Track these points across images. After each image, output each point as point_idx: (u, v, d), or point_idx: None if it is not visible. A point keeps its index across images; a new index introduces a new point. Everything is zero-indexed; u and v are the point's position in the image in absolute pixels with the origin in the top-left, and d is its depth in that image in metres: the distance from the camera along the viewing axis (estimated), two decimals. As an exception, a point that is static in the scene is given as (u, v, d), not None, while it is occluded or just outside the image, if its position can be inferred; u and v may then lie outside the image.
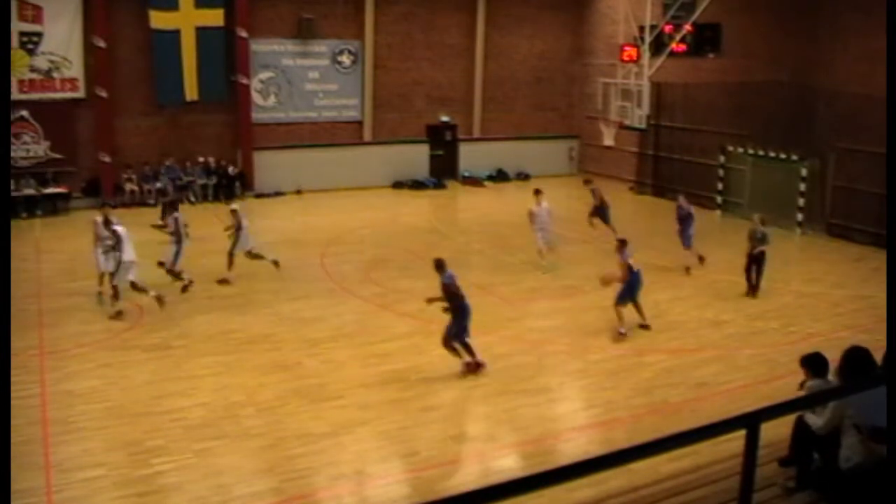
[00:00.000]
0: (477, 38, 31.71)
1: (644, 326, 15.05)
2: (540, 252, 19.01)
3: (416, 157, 31.58)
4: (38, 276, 18.31)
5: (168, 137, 27.38)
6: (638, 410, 11.84)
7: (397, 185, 30.81)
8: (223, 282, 17.77)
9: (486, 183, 31.56)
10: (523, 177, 32.34)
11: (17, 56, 25.31)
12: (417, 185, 30.85)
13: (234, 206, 18.95)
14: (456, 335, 12.85)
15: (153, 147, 27.15)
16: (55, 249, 21.02)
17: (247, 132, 28.43)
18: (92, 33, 25.90)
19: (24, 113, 25.63)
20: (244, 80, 28.11)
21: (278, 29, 28.71)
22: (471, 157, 32.53)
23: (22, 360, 13.41)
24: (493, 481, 3.93)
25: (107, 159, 26.50)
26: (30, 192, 25.43)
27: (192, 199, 27.21)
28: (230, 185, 28.07)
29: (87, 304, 16.41)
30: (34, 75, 25.67)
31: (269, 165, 28.79)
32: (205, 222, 23.59)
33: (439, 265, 13.03)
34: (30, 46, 25.51)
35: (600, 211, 21.54)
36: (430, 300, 13.09)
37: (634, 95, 24.99)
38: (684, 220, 19.20)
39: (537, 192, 19.36)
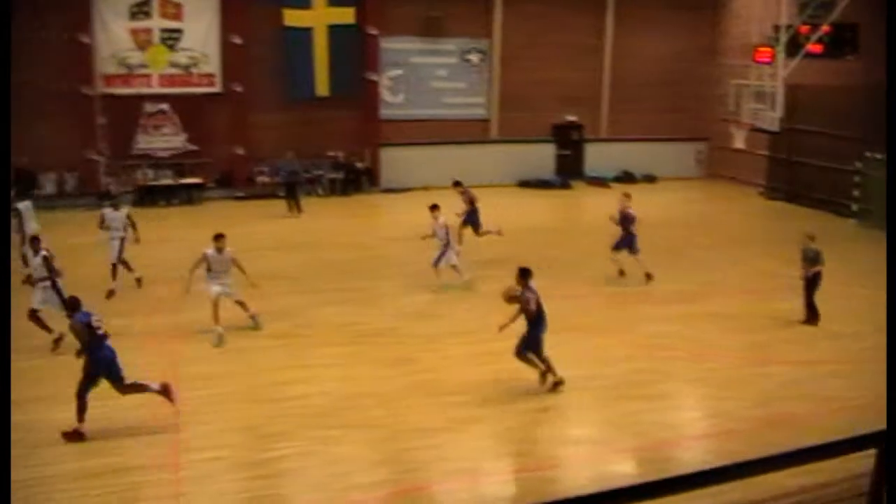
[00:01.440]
0: (606, 39, 31.35)
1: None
2: (454, 268, 17.48)
3: (542, 157, 31.43)
4: (173, 262, 18.98)
5: (298, 132, 28.04)
6: (757, 422, 11.43)
7: (523, 183, 30.70)
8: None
9: (611, 184, 31.10)
10: (650, 179, 31.77)
11: (159, 51, 26.43)
12: (543, 184, 30.65)
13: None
14: (530, 346, 12.31)
15: (284, 141, 27.90)
16: (186, 238, 21.71)
17: (375, 128, 28.91)
18: (229, 31, 26.80)
19: (164, 106, 26.77)
20: (373, 77, 28.58)
21: (407, 27, 29.03)
22: (597, 157, 32.15)
23: (154, 343, 13.99)
24: (608, 486, 3.85)
25: (240, 152, 27.37)
26: (167, 181, 26.52)
27: (321, 192, 27.88)
28: (357, 179, 28.62)
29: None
30: (174, 70, 26.74)
31: (396, 161, 29.18)
32: (330, 214, 24.17)
33: (523, 274, 12.29)
34: (170, 43, 26.58)
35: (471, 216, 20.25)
36: (502, 328, 12.09)
37: (768, 97, 24.23)
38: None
39: (433, 207, 17.84)
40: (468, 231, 19.76)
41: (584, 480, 9.85)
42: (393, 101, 29.42)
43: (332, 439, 10.65)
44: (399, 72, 29.36)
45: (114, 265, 17.08)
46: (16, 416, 11.17)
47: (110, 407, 10.99)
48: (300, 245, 21.25)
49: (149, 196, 26.25)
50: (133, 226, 17.57)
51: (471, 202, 19.90)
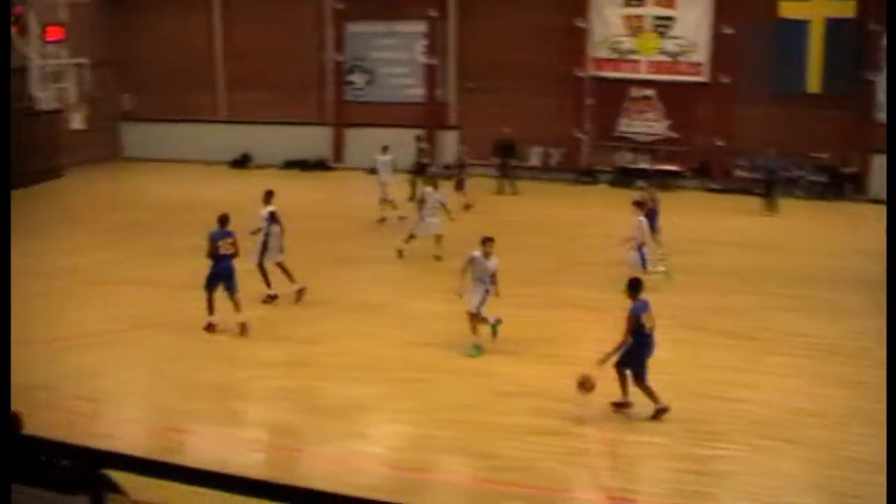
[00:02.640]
0: None
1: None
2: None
3: None
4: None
5: (782, 129, 27.02)
6: None
7: None
8: None
9: None
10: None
11: (650, 38, 27.14)
12: None
13: None
14: (633, 372, 11.07)
15: (766, 137, 27.08)
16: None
17: (868, 132, 26.61)
18: (720, 20, 26.63)
19: (650, 92, 27.45)
20: (871, 77, 26.54)
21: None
22: None
23: (612, 320, 14.66)
24: None
25: (720, 143, 27.21)
26: (644, 165, 27.26)
27: (799, 193, 26.67)
28: (840, 185, 26.74)
29: (676, 279, 17.09)
30: (663, 58, 27.27)
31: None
32: (806, 217, 23.21)
33: (633, 287, 11.18)
34: (661, 30, 27.11)
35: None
36: (601, 361, 10.97)
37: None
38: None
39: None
40: None
41: None
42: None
43: (769, 450, 10.46)
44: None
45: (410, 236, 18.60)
46: (476, 365, 12.59)
47: (565, 374, 11.82)
48: (764, 245, 20.68)
49: (625, 177, 27.22)
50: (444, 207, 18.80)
51: None
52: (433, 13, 28.43)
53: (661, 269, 16.87)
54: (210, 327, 14.48)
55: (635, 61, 27.52)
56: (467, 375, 12.56)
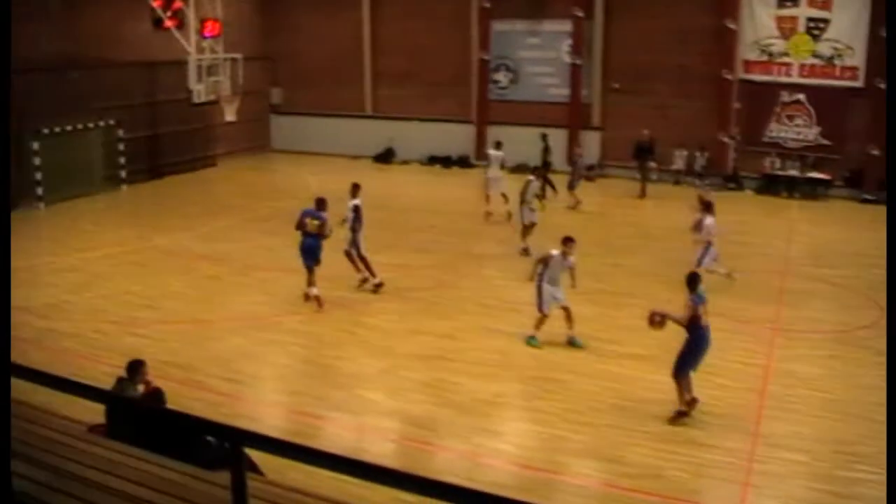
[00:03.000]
0: None
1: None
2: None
3: None
4: (786, 254, 19.04)
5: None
6: None
7: None
8: None
9: None
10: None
11: (802, 41, 26.12)
12: None
13: None
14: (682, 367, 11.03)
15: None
16: (806, 232, 21.56)
17: None
18: (877, 22, 25.38)
19: (801, 97, 26.44)
20: None
21: None
22: None
23: (755, 331, 14.33)
24: None
25: (875, 152, 25.99)
26: (794, 173, 26.30)
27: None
28: None
29: (827, 292, 16.57)
30: (815, 61, 26.18)
31: None
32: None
33: (692, 280, 11.16)
34: (815, 32, 26.05)
35: None
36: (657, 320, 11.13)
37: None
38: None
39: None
40: None
41: None
42: None
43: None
44: None
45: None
46: (612, 370, 12.48)
47: (704, 383, 11.61)
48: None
49: (772, 185, 26.37)
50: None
51: None
52: (579, 12, 28.21)
53: (723, 270, 16.43)
54: (307, 298, 15.35)
55: (787, 64, 26.56)
56: (603, 379, 12.45)
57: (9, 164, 7.18)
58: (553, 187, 22.04)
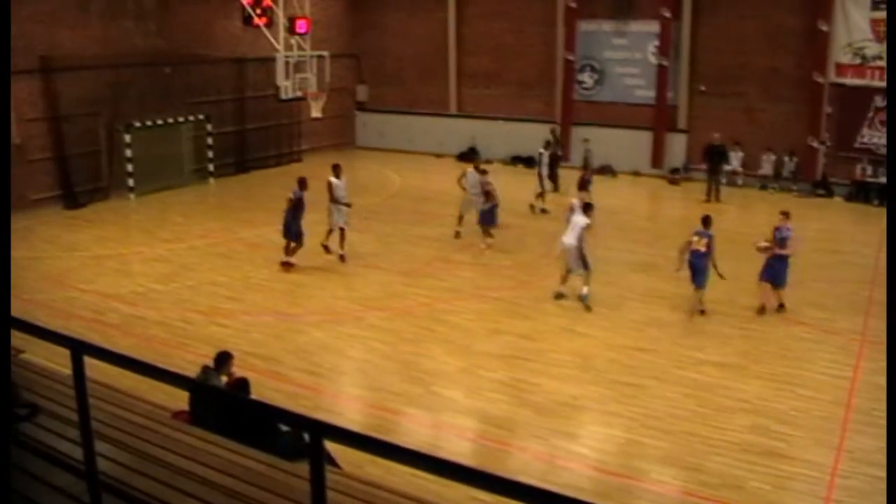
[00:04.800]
0: None
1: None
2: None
3: None
4: (875, 264, 18.49)
5: None
6: None
7: None
8: None
9: None
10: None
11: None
12: None
13: None
14: None
15: None
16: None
17: None
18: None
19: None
20: None
21: None
22: None
23: (842, 342, 13.96)
24: None
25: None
26: (885, 180, 25.43)
27: None
28: None
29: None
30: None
31: None
32: None
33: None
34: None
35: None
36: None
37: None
38: None
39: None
40: None
41: None
42: None
43: None
44: None
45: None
46: (694, 377, 12.29)
47: (788, 394, 11.36)
48: None
49: (862, 192, 25.57)
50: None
51: None
52: (666, 13, 27.78)
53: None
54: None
55: (881, 68, 25.72)
56: (685, 386, 12.26)
57: (9, 164, 7.36)
58: (556, 184, 23.79)
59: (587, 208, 15.89)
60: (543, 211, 22.75)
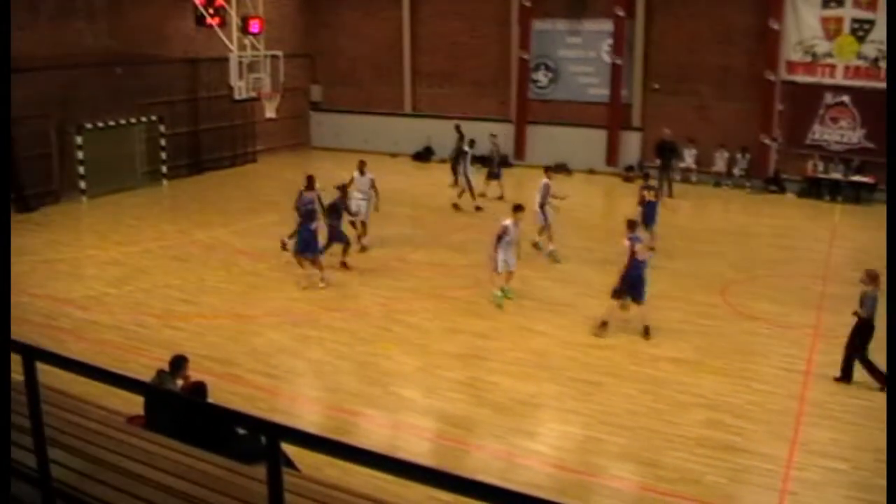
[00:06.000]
0: None
1: None
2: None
3: None
4: (827, 259, 18.79)
5: None
6: None
7: None
8: None
9: None
10: None
11: (847, 42, 25.69)
12: None
13: None
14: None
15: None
16: (849, 237, 21.23)
17: None
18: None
19: (845, 98, 26.00)
20: None
21: None
22: None
23: (796, 336, 14.16)
24: None
25: (921, 156, 25.59)
26: (836, 176, 25.90)
27: None
28: None
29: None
30: (860, 62, 25.72)
31: None
32: None
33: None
34: (860, 34, 25.60)
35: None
36: None
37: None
38: None
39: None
40: None
41: None
42: None
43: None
44: None
45: (352, 222, 18.78)
46: (650, 373, 12.39)
47: (743, 388, 11.50)
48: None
49: (814, 188, 26.00)
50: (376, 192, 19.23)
51: None
52: (620, 12, 27.99)
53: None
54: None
55: (831, 66, 26.13)
56: (641, 382, 12.35)
57: (9, 164, 7.22)
58: (456, 179, 23.94)
59: (517, 209, 15.67)
60: (478, 209, 22.82)
